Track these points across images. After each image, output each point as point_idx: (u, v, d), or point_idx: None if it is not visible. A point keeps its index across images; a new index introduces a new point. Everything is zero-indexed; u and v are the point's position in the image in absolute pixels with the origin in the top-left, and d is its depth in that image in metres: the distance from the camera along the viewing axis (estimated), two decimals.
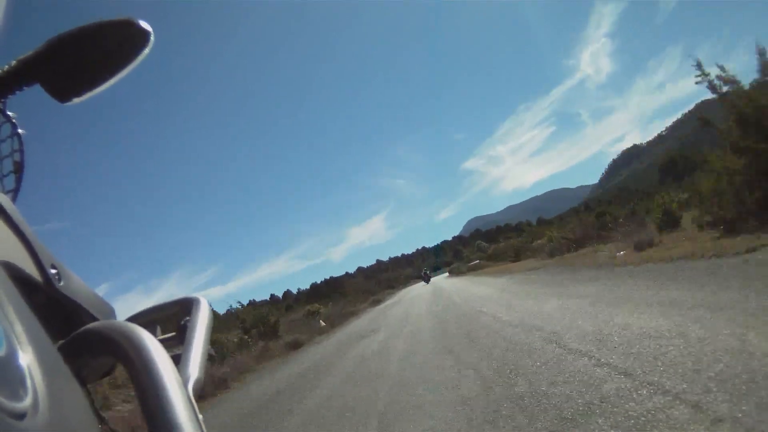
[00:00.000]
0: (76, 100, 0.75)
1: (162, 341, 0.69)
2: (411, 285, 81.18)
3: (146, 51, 0.77)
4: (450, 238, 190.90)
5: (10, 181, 0.72)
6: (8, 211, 0.54)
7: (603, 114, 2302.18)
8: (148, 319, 0.79)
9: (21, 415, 0.32)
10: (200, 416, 0.46)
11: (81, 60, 0.73)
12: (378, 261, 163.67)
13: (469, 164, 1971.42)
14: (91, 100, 0.78)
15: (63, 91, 0.73)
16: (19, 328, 0.39)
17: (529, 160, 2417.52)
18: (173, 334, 0.79)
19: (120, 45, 0.76)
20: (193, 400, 0.48)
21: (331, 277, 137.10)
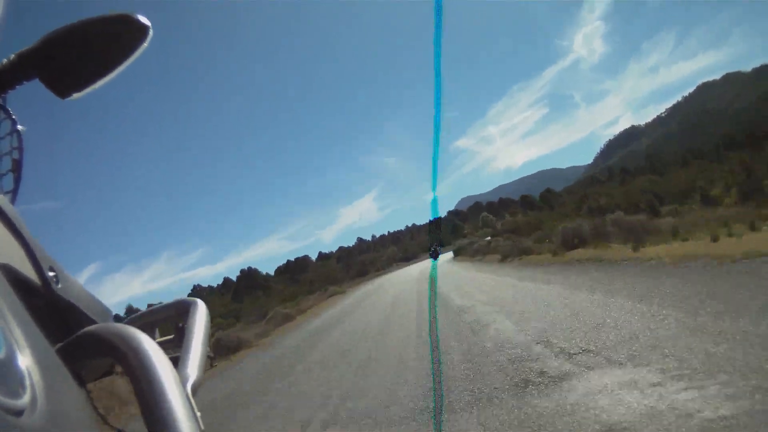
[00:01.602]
0: (75, 96, 0.76)
1: (160, 344, 0.68)
2: (391, 272, 66.41)
3: (144, 45, 0.78)
4: (445, 214, 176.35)
5: (8, 181, 0.73)
6: (7, 212, 0.54)
7: (596, 97, 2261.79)
8: (145, 321, 0.82)
9: (19, 412, 0.33)
10: (199, 415, 0.46)
11: (80, 54, 0.74)
12: (359, 240, 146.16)
13: (461, 143, 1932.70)
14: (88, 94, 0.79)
15: (62, 86, 0.74)
16: (17, 330, 0.39)
17: (521, 141, 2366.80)
18: (171, 336, 0.83)
19: (118, 39, 0.77)
20: (193, 402, 0.48)
21: (295, 260, 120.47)
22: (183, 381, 0.55)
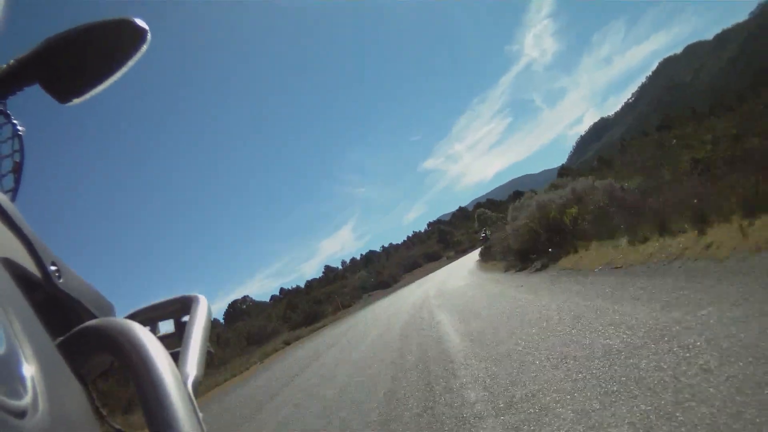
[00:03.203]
0: (75, 101, 0.77)
1: (161, 339, 0.71)
2: (352, 318, 35.99)
3: (143, 49, 0.79)
4: (425, 228, 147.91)
5: (9, 181, 0.73)
6: (7, 209, 0.54)
7: (556, 96, 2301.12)
8: (147, 316, 0.82)
9: (22, 413, 0.32)
10: (200, 414, 0.46)
11: (79, 59, 0.75)
12: (327, 268, 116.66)
13: (428, 164, 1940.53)
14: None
15: (62, 91, 0.75)
16: (18, 325, 0.39)
17: (489, 153, 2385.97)
18: (172, 331, 0.82)
19: (117, 44, 0.78)
20: (193, 398, 0.48)
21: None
22: (184, 378, 0.55)
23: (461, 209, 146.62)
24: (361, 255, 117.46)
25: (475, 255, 44.78)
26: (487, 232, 44.43)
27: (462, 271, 29.05)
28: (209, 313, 0.77)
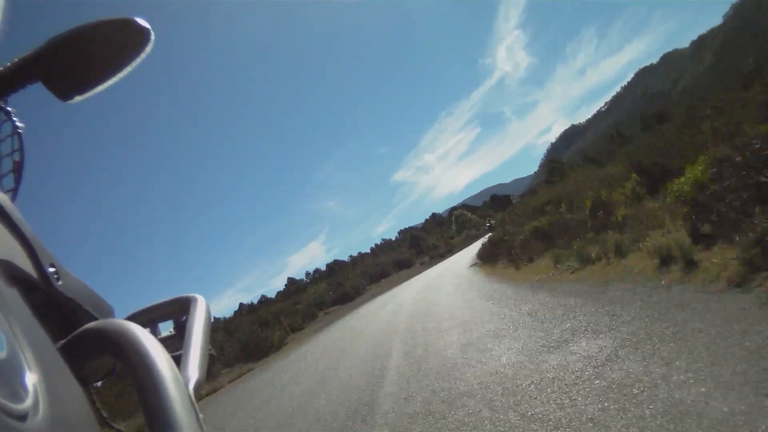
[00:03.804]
0: (77, 98, 0.78)
1: (162, 341, 0.74)
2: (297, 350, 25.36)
3: (147, 50, 0.79)
4: (395, 236, 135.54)
5: (9, 181, 0.73)
6: (7, 209, 0.54)
7: (527, 108, 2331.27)
8: (147, 318, 0.82)
9: (22, 417, 0.33)
10: (201, 416, 0.47)
11: (82, 58, 0.75)
12: (290, 281, 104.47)
13: (399, 176, 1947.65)
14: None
15: (64, 89, 0.76)
16: (18, 328, 0.39)
17: (458, 164, 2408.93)
18: (173, 333, 0.82)
19: (120, 44, 0.78)
20: (194, 401, 0.49)
21: None
22: (185, 381, 0.55)
23: (435, 215, 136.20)
24: (326, 265, 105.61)
25: (458, 259, 35.23)
26: (492, 222, 43.11)
27: (453, 284, 18.52)
28: (209, 313, 0.77)
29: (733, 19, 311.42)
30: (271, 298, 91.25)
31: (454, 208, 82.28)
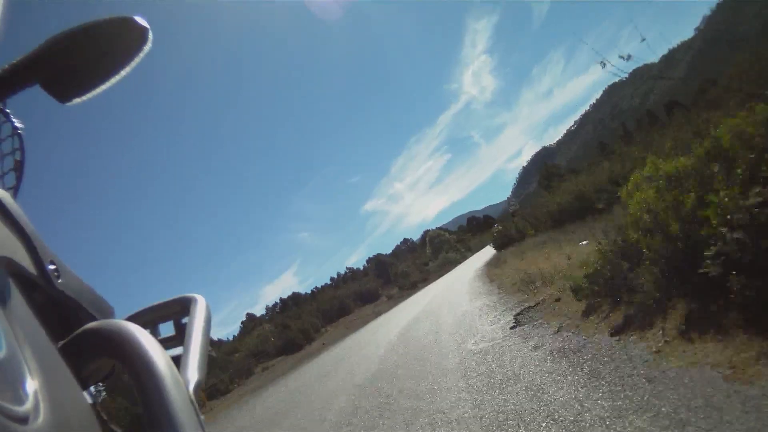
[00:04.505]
0: (76, 101, 0.78)
1: (162, 341, 0.76)
2: None
3: (146, 49, 0.79)
4: (363, 264, 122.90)
5: (10, 179, 0.74)
6: (8, 206, 0.55)
7: (495, 132, 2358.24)
8: (147, 318, 0.82)
9: (23, 419, 0.33)
10: (202, 417, 0.47)
11: (80, 59, 0.75)
12: (248, 316, 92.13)
13: (369, 206, 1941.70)
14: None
15: (63, 91, 0.76)
16: (18, 328, 0.39)
17: (429, 192, 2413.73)
18: (173, 334, 0.84)
19: (119, 43, 0.78)
20: (195, 402, 0.49)
21: None
22: (186, 382, 0.55)
23: (406, 240, 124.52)
24: (281, 299, 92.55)
25: (439, 290, 25.06)
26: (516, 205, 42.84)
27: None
28: (209, 313, 0.78)
29: (705, 31, 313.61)
30: (225, 341, 78.63)
31: (427, 231, 70.67)
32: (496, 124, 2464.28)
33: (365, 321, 34.20)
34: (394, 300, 42.36)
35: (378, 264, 70.89)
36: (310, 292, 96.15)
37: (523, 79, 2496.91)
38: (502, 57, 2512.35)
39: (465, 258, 56.29)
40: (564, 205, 21.69)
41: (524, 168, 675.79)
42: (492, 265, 22.97)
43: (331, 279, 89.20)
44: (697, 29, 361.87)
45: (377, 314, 35.27)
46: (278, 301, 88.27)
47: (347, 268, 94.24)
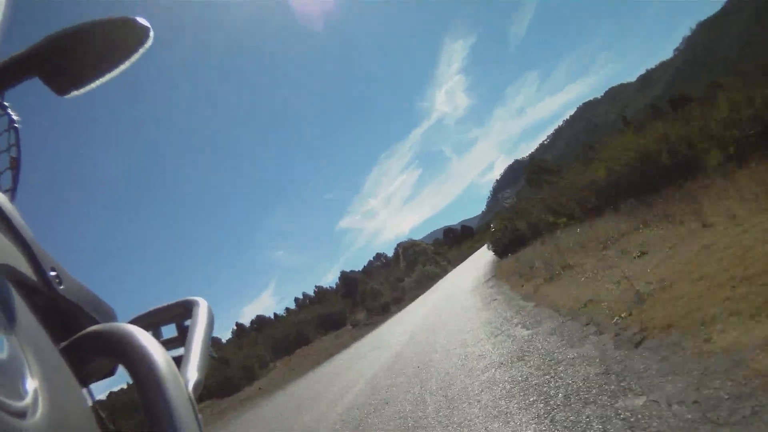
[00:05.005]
0: (74, 93, 0.78)
1: (164, 343, 0.78)
2: None
3: (146, 46, 0.80)
4: (335, 283, 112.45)
5: (6, 179, 0.72)
6: (7, 212, 0.55)
7: (467, 146, 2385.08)
8: (149, 321, 0.84)
9: (21, 414, 0.33)
10: (200, 417, 0.48)
11: (80, 54, 0.76)
12: (214, 340, 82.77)
13: (345, 223, 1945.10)
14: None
15: (61, 84, 0.76)
16: (20, 330, 0.40)
17: (404, 208, 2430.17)
18: (175, 336, 0.85)
19: (119, 41, 0.79)
20: (195, 404, 0.50)
21: None
22: (185, 382, 0.56)
23: (379, 255, 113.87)
24: (236, 323, 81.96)
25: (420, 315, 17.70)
26: (512, 199, 44.54)
27: None
28: (211, 316, 0.79)
29: (685, 52, 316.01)
30: None
31: (400, 243, 60.34)
32: (467, 138, 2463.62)
33: (316, 360, 25.40)
34: (360, 329, 33.61)
35: (346, 282, 61.72)
36: (273, 315, 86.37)
37: (497, 98, 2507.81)
38: (476, 77, 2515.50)
39: (446, 272, 47.80)
40: (617, 174, 14.27)
41: (497, 181, 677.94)
42: (494, 286, 15.27)
43: (296, 300, 78.88)
44: (677, 50, 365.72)
45: (337, 349, 26.84)
46: (234, 326, 78.10)
47: (315, 287, 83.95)
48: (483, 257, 35.83)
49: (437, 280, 41.91)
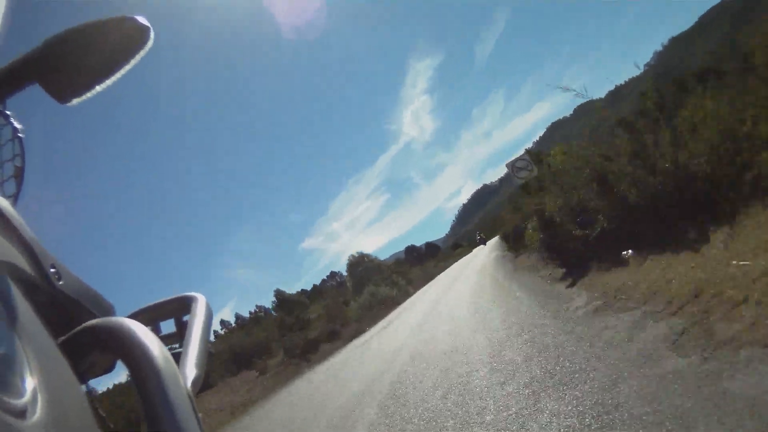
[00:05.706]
0: (75, 101, 0.77)
1: (163, 338, 0.79)
2: None
3: (146, 48, 0.79)
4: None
5: (10, 186, 0.74)
6: (7, 214, 0.56)
7: (435, 172, 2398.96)
8: (148, 316, 0.84)
9: (20, 412, 0.33)
10: (199, 414, 0.49)
11: (80, 59, 0.75)
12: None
13: (307, 244, 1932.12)
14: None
15: (62, 91, 0.75)
16: (18, 325, 0.40)
17: (367, 230, 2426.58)
18: (173, 331, 0.85)
19: (119, 43, 0.77)
20: (193, 398, 0.51)
21: None
22: (184, 378, 0.56)
23: (333, 274, 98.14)
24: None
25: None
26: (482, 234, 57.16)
27: None
28: (209, 312, 0.79)
29: (656, 67, 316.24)
30: None
31: (351, 256, 46.52)
32: (435, 164, 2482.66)
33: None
34: (265, 380, 22.02)
35: (282, 304, 49.32)
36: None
37: (463, 120, 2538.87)
38: (442, 98, 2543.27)
39: (407, 295, 33.94)
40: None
41: (464, 206, 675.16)
42: None
43: (222, 324, 64.16)
44: (647, 65, 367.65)
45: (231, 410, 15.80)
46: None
47: (257, 306, 70.85)
48: (466, 276, 25.26)
49: (393, 308, 29.99)
